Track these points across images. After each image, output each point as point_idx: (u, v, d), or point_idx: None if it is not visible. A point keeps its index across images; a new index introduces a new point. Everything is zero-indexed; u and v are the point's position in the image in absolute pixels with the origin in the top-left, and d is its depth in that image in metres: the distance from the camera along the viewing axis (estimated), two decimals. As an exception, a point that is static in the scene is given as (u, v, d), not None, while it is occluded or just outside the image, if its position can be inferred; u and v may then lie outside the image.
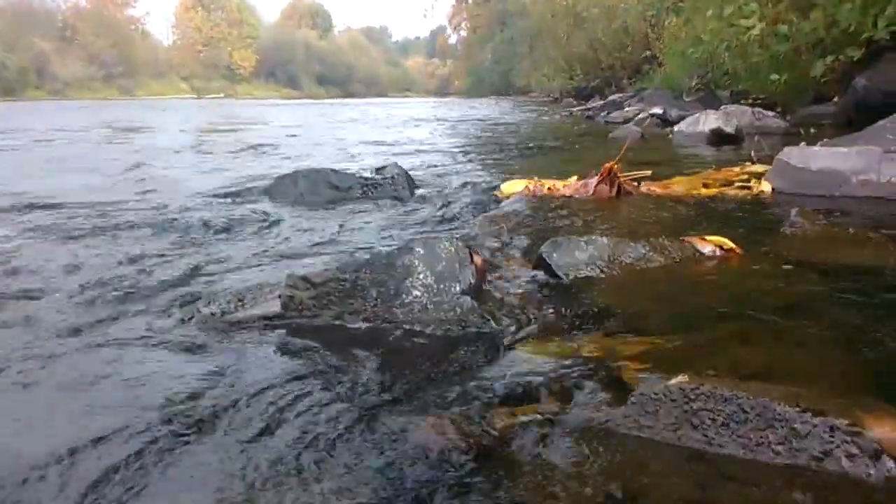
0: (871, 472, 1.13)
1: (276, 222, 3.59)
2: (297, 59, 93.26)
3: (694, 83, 13.53)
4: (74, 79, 64.22)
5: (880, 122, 4.32)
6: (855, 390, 1.37)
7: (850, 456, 1.15)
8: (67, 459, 1.27)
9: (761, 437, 1.21)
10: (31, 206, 4.06)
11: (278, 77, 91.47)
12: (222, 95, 73.75)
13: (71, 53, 65.76)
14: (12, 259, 2.84)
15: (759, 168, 4.60)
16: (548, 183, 4.11)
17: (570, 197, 3.85)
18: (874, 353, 1.59)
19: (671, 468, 1.19)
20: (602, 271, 2.29)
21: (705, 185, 4.12)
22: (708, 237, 2.56)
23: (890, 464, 1.13)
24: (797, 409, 1.21)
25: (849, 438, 1.17)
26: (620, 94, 18.82)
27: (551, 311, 1.98)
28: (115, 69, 69.38)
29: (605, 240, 2.43)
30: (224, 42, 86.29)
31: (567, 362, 1.60)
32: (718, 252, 2.48)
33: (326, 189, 4.25)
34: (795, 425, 1.20)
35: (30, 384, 1.63)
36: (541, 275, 2.28)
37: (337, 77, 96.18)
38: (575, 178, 4.16)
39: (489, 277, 2.28)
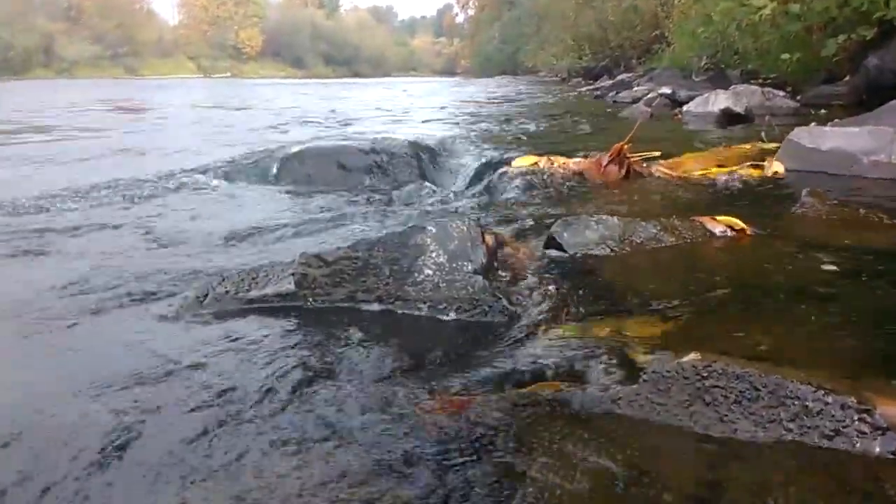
0: (880, 449, 1.14)
1: (286, 201, 3.61)
2: (304, 39, 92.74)
3: (703, 63, 13.40)
4: (80, 58, 64.15)
5: (892, 102, 4.28)
6: (863, 370, 1.38)
7: (860, 433, 1.17)
8: (83, 437, 1.29)
9: (773, 415, 1.22)
10: (42, 182, 4.08)
11: (284, 57, 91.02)
12: (229, 75, 73.59)
13: (76, 33, 65.58)
14: (25, 233, 2.87)
15: (769, 147, 4.57)
16: (558, 161, 4.10)
17: (580, 176, 3.84)
18: (883, 333, 1.60)
19: (683, 445, 1.20)
20: (613, 251, 2.29)
21: (715, 165, 4.10)
22: (718, 217, 2.55)
23: (899, 442, 1.14)
24: (809, 386, 1.23)
25: (860, 416, 1.18)
26: (629, 74, 18.64)
27: (562, 290, 1.99)
28: (120, 49, 69.18)
29: (615, 219, 2.43)
30: (230, 21, 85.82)
31: (578, 341, 1.61)
32: (729, 232, 2.48)
33: (335, 168, 4.25)
34: (808, 403, 1.21)
35: (44, 361, 1.65)
36: (551, 254, 2.29)
37: (343, 57, 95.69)
38: (584, 156, 4.15)
39: (500, 256, 2.29)
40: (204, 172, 4.49)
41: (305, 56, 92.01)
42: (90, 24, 67.23)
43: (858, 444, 1.16)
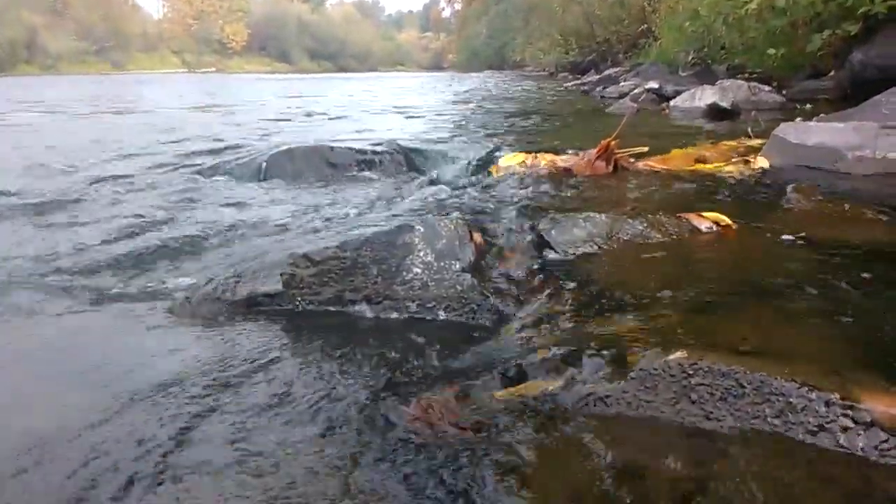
0: (864, 444, 1.16)
1: (274, 199, 3.60)
2: (289, 34, 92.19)
3: (690, 58, 13.43)
4: (66, 53, 63.48)
5: (876, 97, 4.32)
6: (849, 365, 1.39)
7: (844, 429, 1.18)
8: (66, 437, 1.29)
9: (758, 411, 1.24)
10: (29, 180, 4.05)
11: (270, 51, 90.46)
12: (214, 70, 73.15)
13: (61, 27, 64.83)
14: (9, 236, 2.85)
15: (755, 143, 4.60)
16: (545, 158, 4.11)
17: (568, 172, 3.85)
18: (868, 328, 1.61)
19: (670, 442, 1.21)
20: (600, 248, 2.31)
21: (701, 161, 4.12)
22: (705, 213, 2.57)
23: (882, 436, 1.16)
24: (793, 383, 1.24)
25: (843, 412, 1.19)
26: (616, 69, 18.64)
27: (550, 287, 2.00)
28: (106, 43, 68.57)
29: (602, 217, 2.44)
30: (215, 15, 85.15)
31: (565, 338, 1.62)
32: (715, 228, 2.50)
33: (323, 166, 4.24)
34: (791, 399, 1.23)
35: (27, 361, 1.65)
36: (539, 251, 2.30)
37: (329, 51, 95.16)
38: (572, 153, 4.16)
39: (488, 254, 2.30)
40: (192, 170, 4.47)
41: (291, 51, 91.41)
42: (75, 18, 66.46)
43: (843, 440, 1.17)
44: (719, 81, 9.14)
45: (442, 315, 1.83)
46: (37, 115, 10.76)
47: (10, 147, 6.16)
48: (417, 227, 2.03)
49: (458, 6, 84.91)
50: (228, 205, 3.44)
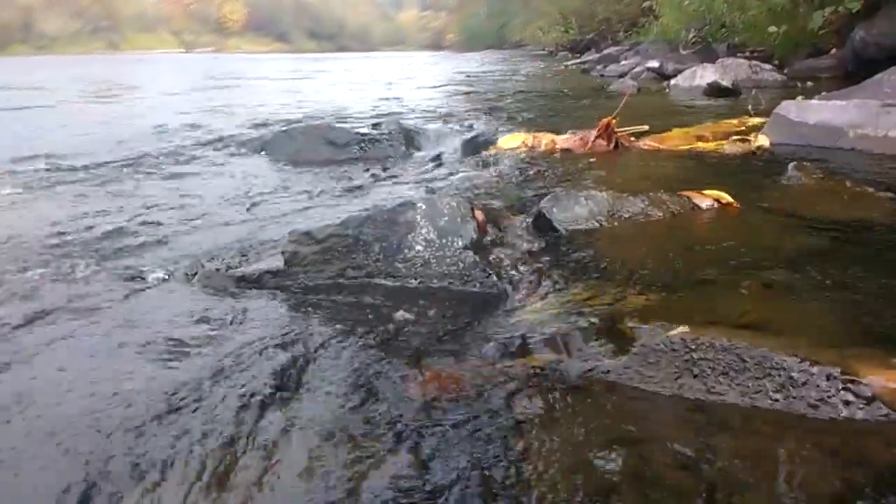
0: (865, 417, 1.17)
1: (275, 178, 3.59)
2: (288, 13, 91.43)
3: (691, 36, 13.35)
4: (61, 33, 62.99)
5: (878, 76, 4.30)
6: (849, 340, 1.40)
7: (845, 403, 1.19)
8: (70, 413, 1.30)
9: (759, 386, 1.25)
10: (29, 162, 4.04)
11: (268, 31, 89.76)
12: (212, 49, 72.65)
13: (56, 7, 64.27)
14: (13, 215, 2.85)
15: (756, 121, 4.59)
16: (545, 137, 4.10)
17: (568, 151, 3.84)
18: (868, 303, 1.62)
19: (672, 415, 1.22)
20: (601, 225, 2.31)
21: (702, 139, 4.11)
22: (706, 191, 2.57)
23: (883, 409, 1.17)
24: (795, 357, 1.25)
25: (844, 386, 1.20)
26: (616, 48, 18.55)
27: (552, 264, 2.00)
28: (101, 23, 68.07)
29: (604, 194, 2.44)
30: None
31: (568, 315, 1.62)
32: (716, 206, 2.50)
33: (324, 145, 4.23)
34: (793, 374, 1.23)
35: (32, 340, 1.65)
36: (541, 229, 2.30)
37: (328, 31, 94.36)
38: (572, 132, 4.15)
39: (490, 232, 2.30)
40: (195, 147, 4.46)
41: (289, 30, 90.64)
42: (70, -2, 65.97)
43: (844, 413, 1.18)
44: (720, 60, 9.10)
45: (444, 292, 1.83)
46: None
47: None
48: (419, 204, 2.03)
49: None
50: (230, 183, 3.44)
